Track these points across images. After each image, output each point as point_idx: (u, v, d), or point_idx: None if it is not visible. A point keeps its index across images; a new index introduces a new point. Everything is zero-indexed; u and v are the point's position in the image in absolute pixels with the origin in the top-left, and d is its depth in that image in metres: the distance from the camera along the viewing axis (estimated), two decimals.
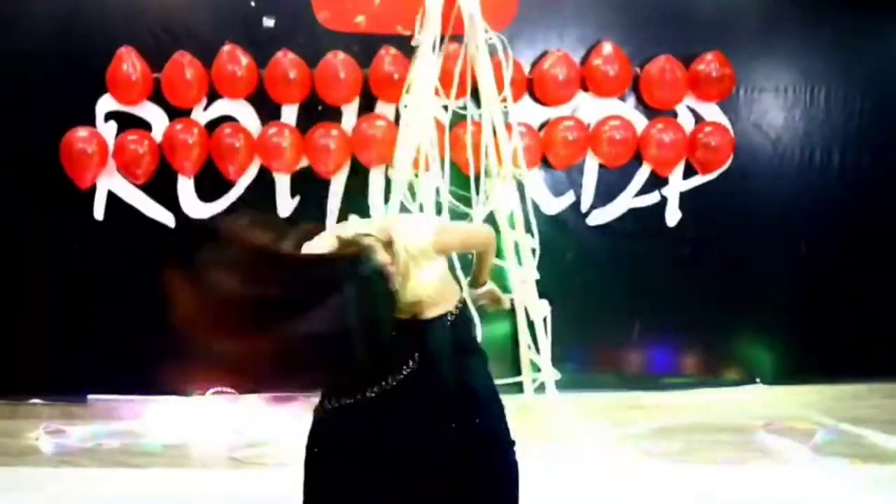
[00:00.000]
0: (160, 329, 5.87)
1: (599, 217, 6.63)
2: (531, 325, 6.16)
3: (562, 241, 6.44)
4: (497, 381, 5.73)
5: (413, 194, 5.99)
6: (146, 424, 6.21)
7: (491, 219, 6.09)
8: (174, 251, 5.57)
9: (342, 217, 6.32)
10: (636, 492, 5.12)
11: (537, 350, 6.12)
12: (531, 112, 6.50)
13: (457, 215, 6.04)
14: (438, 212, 5.98)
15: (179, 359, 5.80)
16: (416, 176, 6.02)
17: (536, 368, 6.23)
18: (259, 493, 4.98)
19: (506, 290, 6.05)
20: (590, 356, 6.71)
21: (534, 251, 6.03)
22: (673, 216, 6.67)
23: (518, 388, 6.32)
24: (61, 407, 6.47)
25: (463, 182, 6.14)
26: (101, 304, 6.41)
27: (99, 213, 6.44)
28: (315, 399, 3.81)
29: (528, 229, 6.07)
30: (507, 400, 5.69)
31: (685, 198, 6.66)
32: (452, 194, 6.03)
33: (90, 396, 6.50)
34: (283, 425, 5.98)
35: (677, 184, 6.63)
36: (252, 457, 5.67)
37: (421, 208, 5.92)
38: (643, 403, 6.61)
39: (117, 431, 6.10)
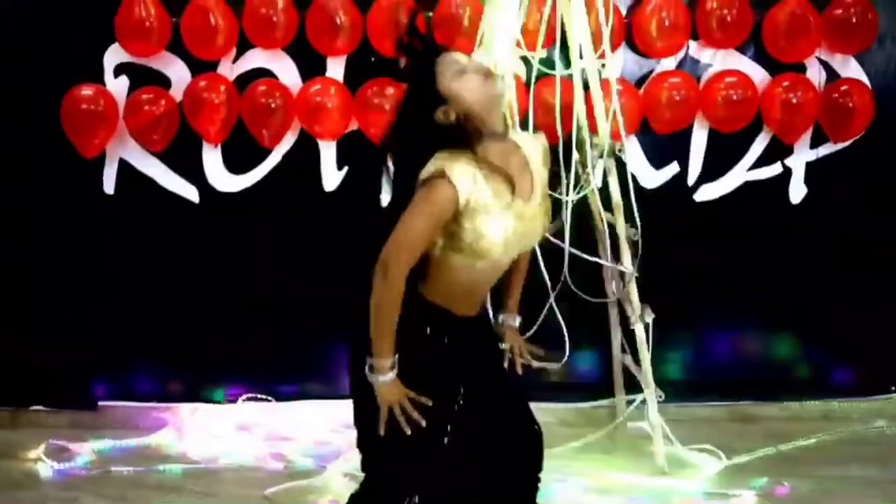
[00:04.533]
0: (184, 322, 5.76)
1: (709, 192, 5.85)
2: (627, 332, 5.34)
3: (663, 221, 5.54)
4: (583, 405, 5.34)
5: None
6: (165, 443, 5.54)
7: (582, 202, 5.21)
8: (198, 231, 5.74)
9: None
10: None
11: (636, 361, 5.24)
12: (629, 65, 5.80)
13: None
14: None
15: (207, 358, 5.74)
16: None
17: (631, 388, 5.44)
18: None
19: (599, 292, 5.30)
20: (695, 361, 6.00)
21: (636, 244, 5.13)
22: (798, 192, 5.87)
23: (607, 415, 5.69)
24: (68, 415, 5.87)
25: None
26: (113, 293, 5.83)
27: (109, 186, 5.80)
28: None
29: (630, 216, 5.14)
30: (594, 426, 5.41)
31: (813, 170, 5.87)
32: None
33: (102, 403, 5.91)
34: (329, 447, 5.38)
35: (804, 153, 5.85)
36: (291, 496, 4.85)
37: None
38: (758, 415, 5.88)
39: (131, 453, 5.41)
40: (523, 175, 3.05)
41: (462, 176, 2.87)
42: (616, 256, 5.13)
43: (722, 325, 5.96)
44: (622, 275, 5.10)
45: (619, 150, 5.08)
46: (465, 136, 2.97)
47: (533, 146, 3.16)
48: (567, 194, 4.97)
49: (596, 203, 5.15)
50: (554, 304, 4.89)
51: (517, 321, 3.42)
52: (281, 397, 5.84)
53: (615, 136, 5.10)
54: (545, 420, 5.33)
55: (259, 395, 5.83)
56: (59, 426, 5.71)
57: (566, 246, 4.89)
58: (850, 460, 5.13)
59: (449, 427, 3.05)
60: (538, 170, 3.12)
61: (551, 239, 4.89)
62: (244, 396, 5.82)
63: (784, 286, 5.83)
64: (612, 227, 5.15)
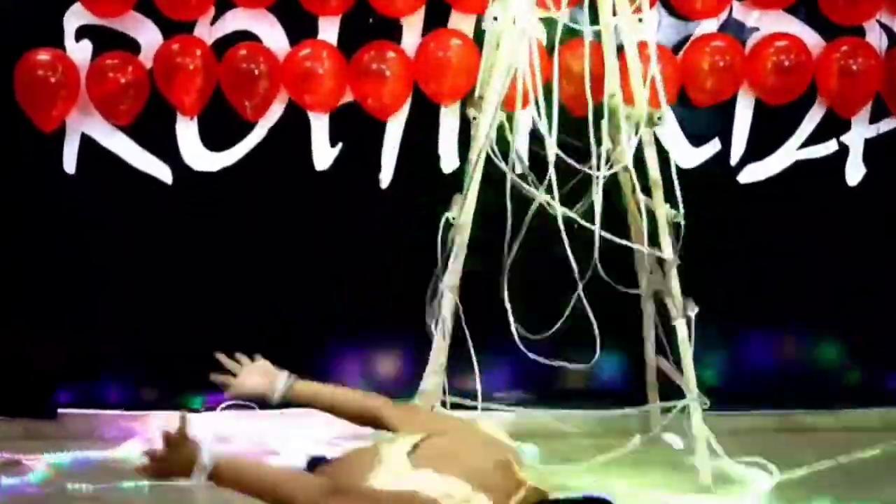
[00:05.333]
0: (157, 320, 5.35)
1: (755, 173, 5.53)
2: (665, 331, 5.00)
3: (702, 206, 5.17)
4: (614, 411, 5.05)
5: (505, 151, 4.80)
6: (132, 456, 4.99)
7: (613, 181, 4.84)
8: (171, 214, 5.44)
9: (402, 170, 5.39)
10: None
11: (678, 368, 4.86)
12: (664, 29, 5.46)
13: (567, 174, 4.74)
14: (539, 168, 4.70)
15: (181, 359, 5.39)
16: (508, 117, 4.85)
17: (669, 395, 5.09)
18: None
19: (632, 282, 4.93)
20: (735, 364, 5.67)
21: (678, 226, 4.78)
22: (856, 172, 5.54)
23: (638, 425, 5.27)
24: (24, 424, 5.51)
25: (575, 125, 4.95)
26: (76, 287, 5.50)
27: (70, 164, 5.46)
28: None
29: (670, 196, 4.82)
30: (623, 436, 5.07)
31: (873, 148, 5.54)
32: (560, 143, 4.73)
33: (62, 411, 5.56)
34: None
35: (863, 129, 5.52)
36: None
37: (512, 166, 4.69)
38: (810, 424, 5.56)
39: (92, 467, 5.03)
40: None
41: None
42: (653, 242, 4.77)
43: (766, 324, 5.67)
44: (661, 263, 4.73)
45: (659, 120, 4.72)
46: None
47: None
48: (598, 169, 4.60)
49: (631, 180, 4.77)
50: (583, 295, 4.53)
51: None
52: (265, 405, 5.33)
53: (653, 102, 4.74)
54: (567, 431, 5.18)
55: (241, 402, 5.22)
56: (12, 437, 5.38)
57: (597, 229, 4.51)
58: None
59: None
60: None
61: (580, 221, 4.55)
62: (224, 403, 5.45)
63: (838, 280, 5.60)
64: (649, 210, 4.80)
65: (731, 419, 5.31)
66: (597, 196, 4.54)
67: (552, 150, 4.57)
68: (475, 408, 4.62)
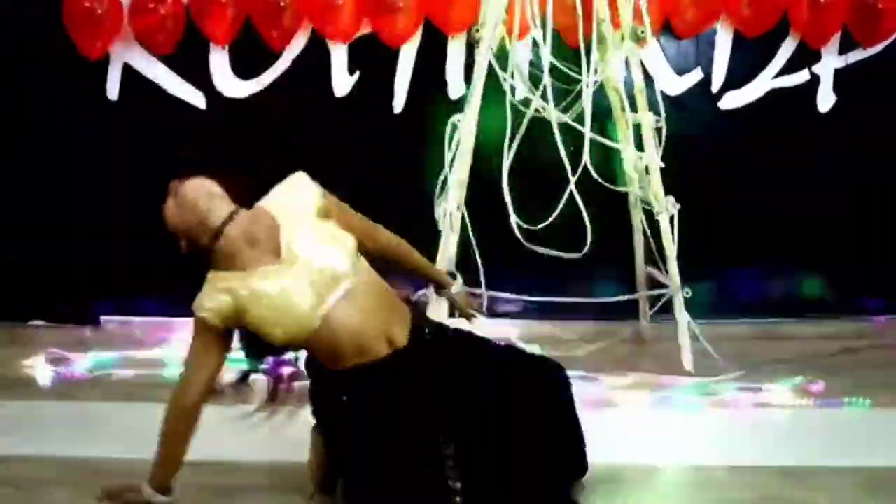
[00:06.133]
0: None
1: (734, 100, 5.59)
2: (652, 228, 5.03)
3: (686, 129, 5.33)
4: (607, 299, 5.01)
5: (504, 67, 4.81)
6: (170, 353, 5.13)
7: (602, 93, 4.97)
8: (204, 137, 5.47)
9: (413, 98, 5.53)
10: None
11: (661, 259, 4.97)
12: None
13: (560, 93, 4.86)
14: (536, 87, 4.78)
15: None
16: (509, 43, 4.87)
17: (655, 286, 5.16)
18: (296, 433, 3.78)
19: (617, 179, 5.03)
20: (716, 274, 5.64)
21: (659, 131, 4.88)
22: (826, 100, 5.59)
23: (631, 311, 5.38)
24: (69, 331, 5.65)
25: (569, 51, 4.98)
26: (117, 204, 5.55)
27: (113, 91, 5.57)
28: None
29: (653, 106, 4.92)
30: (617, 327, 5.28)
31: (842, 77, 5.58)
32: (553, 68, 4.79)
33: (104, 318, 5.75)
34: None
35: (832, 59, 5.56)
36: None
37: (512, 90, 4.80)
38: (785, 334, 5.56)
39: (133, 361, 5.14)
40: (271, 236, 3.01)
41: (210, 301, 2.96)
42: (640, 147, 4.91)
43: (745, 242, 5.62)
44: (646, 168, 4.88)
45: (642, 34, 4.82)
46: (203, 254, 3.05)
47: (293, 200, 3.12)
48: (588, 77, 4.71)
49: (619, 97, 4.92)
50: (574, 190, 4.60)
51: (455, 287, 3.51)
52: None
53: (638, 21, 4.85)
54: (565, 337, 5.34)
55: None
56: (59, 342, 5.45)
57: (587, 131, 4.64)
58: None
59: (458, 483, 2.85)
60: (297, 220, 3.06)
61: (571, 123, 4.70)
62: None
63: (811, 199, 5.60)
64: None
65: (715, 328, 5.19)
66: (587, 102, 4.68)
67: (547, 58, 4.68)
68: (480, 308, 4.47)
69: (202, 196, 3.08)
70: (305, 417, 3.21)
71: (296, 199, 3.09)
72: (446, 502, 2.81)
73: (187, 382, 3.01)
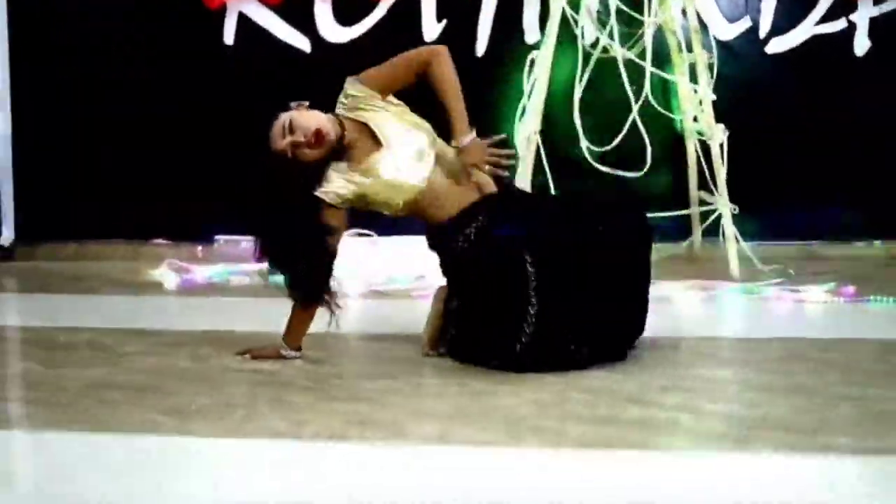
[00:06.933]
0: None
1: (779, 45, 6.06)
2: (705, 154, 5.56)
3: (737, 69, 5.90)
4: (660, 214, 5.27)
5: (576, 8, 5.41)
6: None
7: (661, 37, 5.55)
8: (309, 78, 5.52)
9: (493, 41, 5.96)
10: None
11: (713, 181, 5.49)
12: None
13: (624, 35, 5.47)
14: (604, 26, 5.37)
15: None
16: None
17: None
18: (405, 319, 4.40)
19: (673, 109, 5.60)
20: (763, 200, 5.95)
21: (711, 66, 5.47)
22: (862, 46, 6.02)
23: (683, 231, 5.86)
24: (187, 248, 6.23)
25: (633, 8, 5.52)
26: (230, 137, 5.65)
27: (229, 37, 6.14)
28: None
29: (706, 48, 5.53)
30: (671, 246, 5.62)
31: (877, 25, 6.00)
32: (619, 11, 5.42)
33: (218, 237, 6.26)
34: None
35: (868, 9, 5.99)
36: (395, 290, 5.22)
37: (582, 32, 5.41)
38: (823, 254, 6.06)
39: (247, 271, 5.56)
40: (369, 133, 3.61)
41: (333, 187, 3.56)
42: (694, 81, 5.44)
43: (788, 171, 5.99)
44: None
45: None
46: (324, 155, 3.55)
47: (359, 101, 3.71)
48: (649, 19, 5.31)
49: (674, 32, 5.44)
50: (637, 118, 5.22)
51: (467, 137, 3.55)
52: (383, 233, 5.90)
53: None
54: None
55: (362, 231, 5.80)
56: (178, 256, 5.93)
57: (647, 66, 5.26)
58: None
59: (534, 308, 3.33)
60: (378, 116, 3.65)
61: (634, 59, 5.29)
62: (351, 231, 5.58)
63: (849, 133, 5.98)
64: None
65: (761, 249, 5.65)
66: (648, 42, 5.31)
67: (613, 2, 5.31)
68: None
69: (316, 112, 3.67)
70: None
71: (359, 99, 3.68)
72: (519, 327, 3.36)
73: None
